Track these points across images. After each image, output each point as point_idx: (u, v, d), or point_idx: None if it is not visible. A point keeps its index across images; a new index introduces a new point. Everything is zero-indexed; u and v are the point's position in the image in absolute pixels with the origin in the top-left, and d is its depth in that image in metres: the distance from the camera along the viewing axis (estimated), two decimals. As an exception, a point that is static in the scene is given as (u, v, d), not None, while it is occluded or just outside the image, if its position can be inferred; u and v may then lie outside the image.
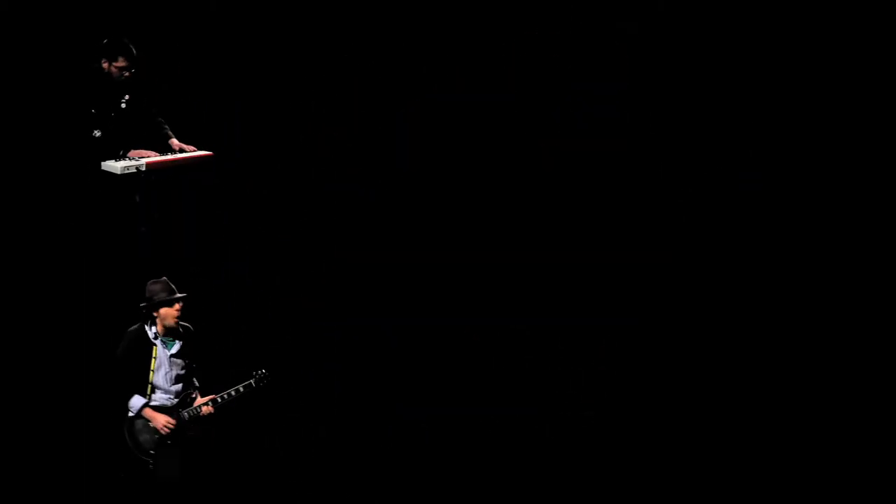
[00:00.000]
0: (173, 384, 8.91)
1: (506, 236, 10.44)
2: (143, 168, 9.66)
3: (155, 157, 9.74)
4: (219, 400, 8.95)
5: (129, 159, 9.66)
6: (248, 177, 10.53)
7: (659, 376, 10.18)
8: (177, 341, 8.95)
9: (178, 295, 8.88)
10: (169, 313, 8.85)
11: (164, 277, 8.94)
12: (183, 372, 8.95)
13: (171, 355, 8.91)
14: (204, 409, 8.93)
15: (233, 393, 8.95)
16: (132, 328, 8.92)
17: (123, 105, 9.70)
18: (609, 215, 10.43)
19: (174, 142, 9.93)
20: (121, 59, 9.55)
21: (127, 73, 9.61)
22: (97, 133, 9.58)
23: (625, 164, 10.47)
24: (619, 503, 9.80)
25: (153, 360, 8.85)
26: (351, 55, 10.53)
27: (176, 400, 8.92)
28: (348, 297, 10.38)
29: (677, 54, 10.38)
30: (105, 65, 9.59)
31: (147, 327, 8.89)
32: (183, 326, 8.98)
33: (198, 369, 9.07)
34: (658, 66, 10.41)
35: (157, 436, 8.82)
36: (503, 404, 10.14)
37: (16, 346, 9.79)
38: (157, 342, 8.88)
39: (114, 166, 9.60)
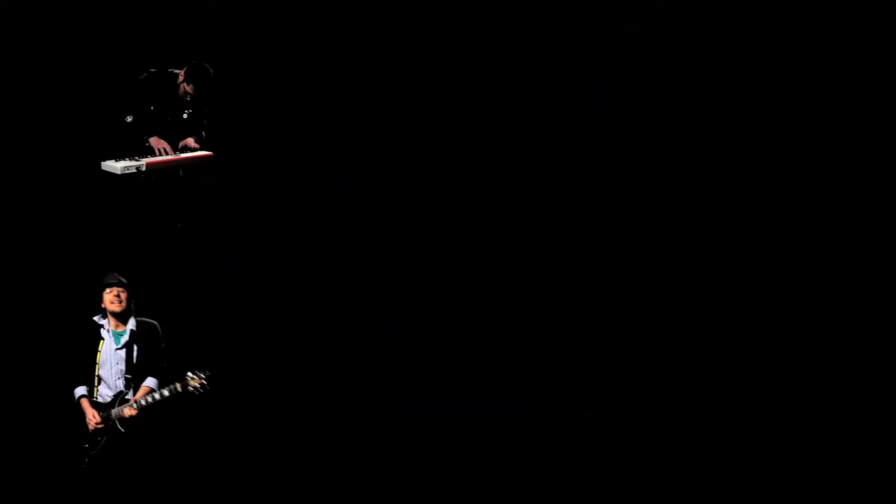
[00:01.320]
0: (117, 379, 8.94)
1: (506, 236, 10.43)
2: (144, 168, 9.73)
3: (161, 157, 9.85)
4: (142, 403, 8.84)
5: (133, 159, 9.76)
6: (248, 177, 10.53)
7: (659, 376, 10.18)
8: (124, 335, 8.98)
9: (117, 281, 8.97)
10: (107, 297, 8.96)
11: (115, 273, 9.07)
12: (125, 369, 8.94)
13: (116, 348, 8.96)
14: (126, 410, 8.84)
15: (157, 396, 8.82)
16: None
17: (185, 117, 10.10)
18: (609, 215, 10.42)
19: (186, 142, 10.14)
20: (192, 86, 9.99)
21: (189, 98, 10.05)
22: (129, 118, 9.75)
23: (625, 164, 10.47)
24: (619, 503, 9.80)
25: (98, 353, 8.94)
26: (351, 55, 10.54)
27: (111, 397, 8.97)
28: (348, 297, 10.38)
29: (677, 54, 10.38)
30: (181, 78, 10.00)
31: (100, 318, 9.03)
32: (145, 323, 9.03)
33: (148, 367, 8.99)
34: (658, 66, 10.41)
35: (90, 431, 8.90)
36: (503, 404, 10.13)
37: (15, 346, 9.79)
38: (106, 335, 8.98)
39: (114, 166, 9.66)
